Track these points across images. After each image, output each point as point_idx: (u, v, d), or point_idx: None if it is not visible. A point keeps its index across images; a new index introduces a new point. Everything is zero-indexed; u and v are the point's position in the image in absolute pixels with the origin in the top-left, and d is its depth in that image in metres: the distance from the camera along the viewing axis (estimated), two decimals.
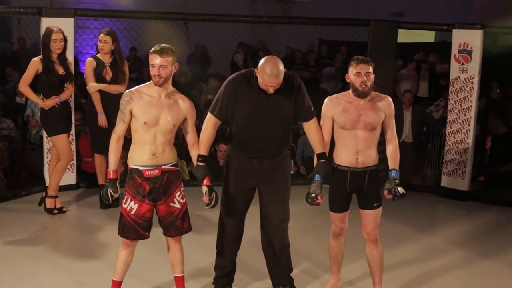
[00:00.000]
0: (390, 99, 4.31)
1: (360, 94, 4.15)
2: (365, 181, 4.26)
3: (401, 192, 4.21)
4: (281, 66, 4.02)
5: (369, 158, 4.24)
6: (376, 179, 4.32)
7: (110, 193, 4.00)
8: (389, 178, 4.26)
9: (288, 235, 4.42)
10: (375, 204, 4.29)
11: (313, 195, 4.20)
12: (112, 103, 5.88)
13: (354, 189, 4.30)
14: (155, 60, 3.89)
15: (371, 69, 4.14)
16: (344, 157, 4.25)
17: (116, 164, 4.02)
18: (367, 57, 4.21)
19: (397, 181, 4.24)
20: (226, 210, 4.34)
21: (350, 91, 4.23)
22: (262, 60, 4.06)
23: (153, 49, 3.93)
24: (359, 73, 4.12)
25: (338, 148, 4.29)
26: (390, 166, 4.29)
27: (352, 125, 4.19)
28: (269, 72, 3.98)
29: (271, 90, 4.05)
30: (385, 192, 4.24)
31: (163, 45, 3.96)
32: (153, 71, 3.91)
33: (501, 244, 5.83)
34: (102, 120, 6.13)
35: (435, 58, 11.42)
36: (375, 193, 4.29)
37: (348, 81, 4.20)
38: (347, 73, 4.21)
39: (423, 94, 10.80)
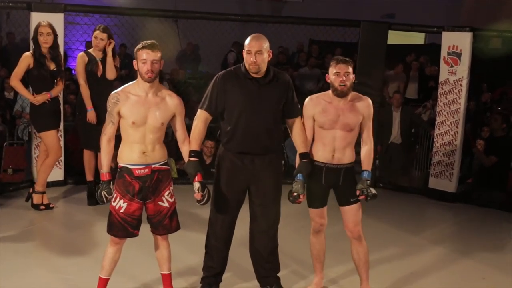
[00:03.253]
0: (370, 101, 4.36)
1: (339, 94, 4.20)
2: (340, 178, 4.31)
3: (373, 193, 4.25)
4: (264, 38, 4.12)
5: (345, 156, 4.30)
6: (352, 176, 4.36)
7: (105, 195, 3.97)
8: (361, 179, 4.30)
9: (277, 237, 4.42)
10: (351, 200, 4.33)
11: (295, 193, 4.24)
12: (102, 99, 5.85)
13: (329, 184, 4.34)
14: (146, 56, 3.86)
15: (350, 69, 4.19)
16: (320, 154, 4.31)
17: (109, 166, 3.99)
18: (346, 58, 4.27)
19: (368, 181, 4.28)
20: (216, 211, 4.32)
21: (330, 91, 4.27)
22: None
23: (141, 45, 3.89)
24: (338, 72, 4.17)
25: (316, 145, 4.35)
26: (363, 166, 4.33)
27: (330, 125, 4.25)
28: (252, 37, 4.10)
29: (252, 60, 4.04)
30: (357, 192, 4.28)
31: (150, 41, 3.94)
32: (144, 67, 3.87)
33: (487, 245, 5.88)
34: (91, 116, 6.10)
35: (425, 60, 11.48)
36: (351, 189, 4.32)
37: (329, 81, 4.24)
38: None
39: (412, 95, 10.86)
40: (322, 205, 4.40)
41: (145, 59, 3.86)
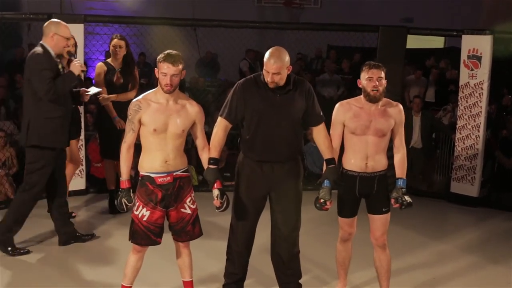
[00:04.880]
0: (401, 107, 4.32)
1: (372, 99, 4.16)
2: (374, 186, 4.26)
3: (408, 201, 4.21)
4: (284, 55, 4.06)
5: (378, 163, 4.25)
6: (385, 184, 4.31)
7: (125, 202, 3.99)
8: (396, 187, 4.26)
9: (298, 243, 4.41)
10: (384, 209, 4.29)
11: (322, 200, 4.20)
12: (122, 108, 5.91)
13: (363, 194, 4.30)
14: (167, 69, 3.88)
15: (383, 74, 4.16)
16: (353, 162, 4.26)
17: (129, 174, 4.01)
18: (379, 63, 4.24)
19: (404, 190, 4.24)
20: (237, 218, 4.32)
21: (361, 96, 4.24)
22: (268, 51, 4.12)
23: (163, 57, 3.90)
24: (370, 77, 4.13)
25: (348, 153, 4.30)
26: (398, 174, 4.29)
27: (362, 131, 4.19)
28: (271, 57, 4.02)
29: (270, 80, 4.03)
30: (392, 201, 4.24)
31: (172, 52, 3.94)
32: (164, 80, 3.90)
33: (510, 251, 5.80)
34: (119, 123, 6.09)
35: (446, 64, 11.40)
36: (384, 198, 4.29)
37: (360, 86, 4.22)
38: (358, 78, 4.22)
39: (430, 99, 10.78)
40: (353, 214, 4.36)
41: (166, 72, 3.89)
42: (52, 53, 5.09)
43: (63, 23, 5.17)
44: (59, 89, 5.03)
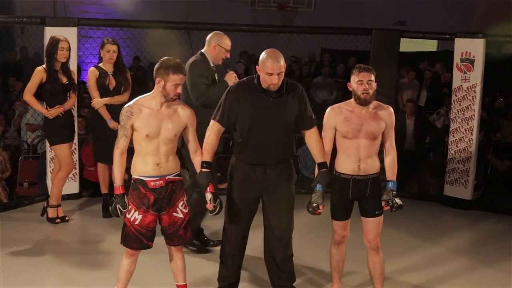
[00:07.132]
0: (392, 109, 4.33)
1: (362, 102, 4.17)
2: (367, 189, 4.27)
3: (398, 204, 4.22)
4: (280, 54, 4.09)
5: (371, 166, 4.26)
6: (378, 187, 4.32)
7: (119, 208, 3.98)
8: (386, 189, 4.27)
9: (291, 246, 4.41)
10: (376, 212, 4.30)
11: (314, 204, 4.20)
12: (115, 112, 5.90)
13: (356, 197, 4.30)
14: (180, 81, 3.92)
15: (373, 77, 4.16)
16: (346, 165, 4.26)
17: (122, 179, 4.00)
18: (369, 66, 4.25)
19: (394, 192, 4.24)
20: (230, 221, 4.33)
21: (352, 99, 4.25)
22: (262, 54, 4.12)
23: (172, 67, 3.88)
24: (361, 81, 4.14)
25: (340, 156, 4.30)
26: (388, 177, 4.30)
27: (354, 134, 4.20)
28: (271, 58, 4.04)
29: (274, 82, 4.04)
30: (383, 203, 4.25)
31: (178, 60, 3.95)
32: (175, 90, 3.92)
33: (504, 253, 5.81)
34: (113, 125, 6.08)
35: (441, 68, 11.43)
36: (377, 201, 4.29)
37: (350, 89, 4.22)
38: (349, 81, 4.23)
39: (421, 102, 10.82)
40: (346, 217, 4.37)
41: (178, 83, 3.92)
42: (210, 62, 5.24)
43: (225, 35, 5.31)
44: (213, 97, 5.07)
